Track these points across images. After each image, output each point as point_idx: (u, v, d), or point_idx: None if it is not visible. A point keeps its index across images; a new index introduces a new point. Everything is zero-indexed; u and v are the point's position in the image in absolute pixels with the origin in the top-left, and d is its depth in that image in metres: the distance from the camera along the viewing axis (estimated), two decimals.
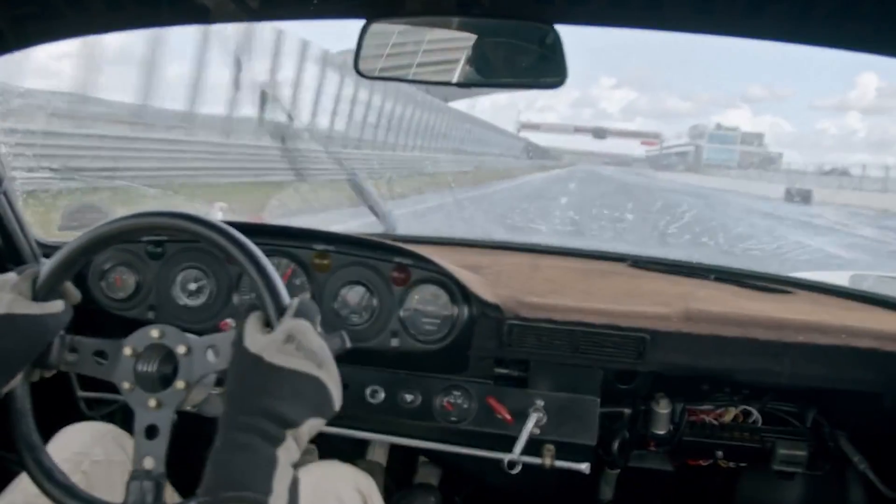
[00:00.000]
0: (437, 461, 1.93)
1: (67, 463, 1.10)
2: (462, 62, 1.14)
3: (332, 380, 0.77)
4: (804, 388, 1.54)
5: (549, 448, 1.45)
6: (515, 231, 9.93)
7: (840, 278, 1.75)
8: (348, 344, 1.16)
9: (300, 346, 0.75)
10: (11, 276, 0.89)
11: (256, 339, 0.75)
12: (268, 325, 0.83)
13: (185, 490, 1.23)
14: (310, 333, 0.77)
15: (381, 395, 1.50)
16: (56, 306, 0.91)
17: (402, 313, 1.43)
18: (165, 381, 0.93)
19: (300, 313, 0.79)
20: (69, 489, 0.90)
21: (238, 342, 0.76)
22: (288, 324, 0.77)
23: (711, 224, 13.40)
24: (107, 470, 1.12)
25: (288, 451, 0.69)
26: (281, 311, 0.82)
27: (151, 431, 0.89)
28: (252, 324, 0.78)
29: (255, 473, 0.66)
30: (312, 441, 1.98)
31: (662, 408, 1.57)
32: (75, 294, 0.97)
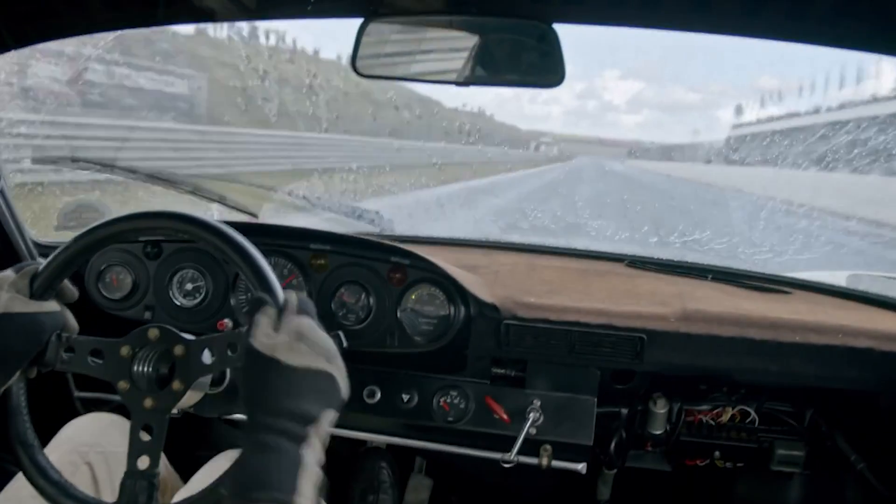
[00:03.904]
0: (434, 461, 1.93)
1: (73, 454, 1.10)
2: (460, 61, 1.14)
3: (340, 371, 0.80)
4: (801, 388, 1.54)
5: (547, 448, 1.45)
6: None
7: (837, 278, 1.75)
8: (345, 344, 1.16)
9: (311, 343, 0.77)
10: (9, 273, 0.89)
11: (267, 341, 0.76)
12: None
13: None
14: (316, 330, 0.79)
15: (378, 395, 1.49)
16: (53, 305, 0.91)
17: (399, 313, 1.43)
18: (162, 381, 0.92)
19: (302, 310, 0.80)
20: (63, 487, 0.90)
21: (248, 345, 0.76)
22: (293, 322, 0.78)
23: None
24: (111, 461, 1.13)
25: (313, 450, 0.71)
26: (278, 307, 0.82)
27: (147, 431, 0.89)
28: (261, 325, 0.78)
29: (282, 474, 0.67)
30: None
31: (659, 408, 1.57)
32: (73, 292, 0.97)
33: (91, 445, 1.13)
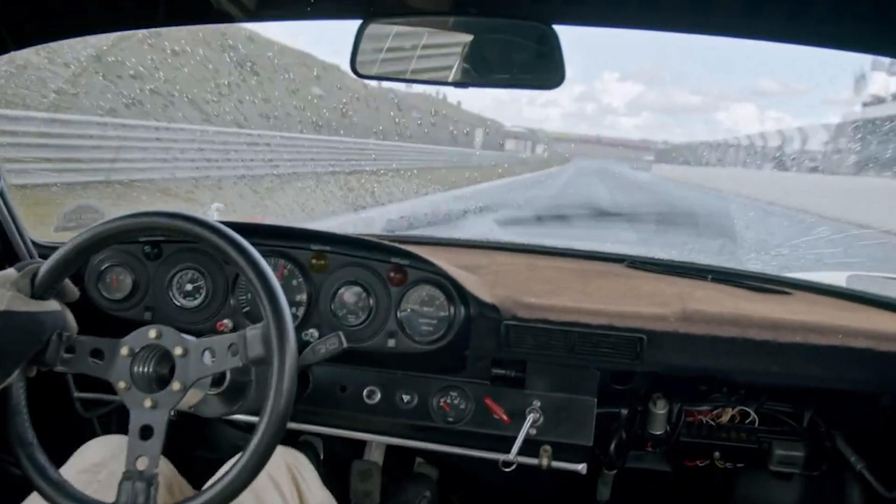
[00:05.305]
0: (434, 462, 1.93)
1: (85, 473, 1.10)
2: (459, 62, 1.14)
3: None
4: (801, 389, 1.54)
5: (546, 449, 1.45)
6: None
7: (837, 279, 1.75)
8: (345, 344, 1.16)
9: None
10: (11, 272, 0.90)
11: None
12: (266, 336, 0.84)
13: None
14: None
15: (378, 396, 1.49)
16: (54, 304, 0.92)
17: (399, 314, 1.43)
18: (162, 381, 0.93)
19: None
20: (61, 486, 0.90)
21: None
22: None
23: None
24: None
25: None
26: (281, 329, 0.83)
27: (146, 432, 0.89)
28: None
29: None
30: (311, 441, 1.98)
31: (659, 408, 1.57)
32: (74, 292, 0.97)
33: (103, 466, 1.13)
